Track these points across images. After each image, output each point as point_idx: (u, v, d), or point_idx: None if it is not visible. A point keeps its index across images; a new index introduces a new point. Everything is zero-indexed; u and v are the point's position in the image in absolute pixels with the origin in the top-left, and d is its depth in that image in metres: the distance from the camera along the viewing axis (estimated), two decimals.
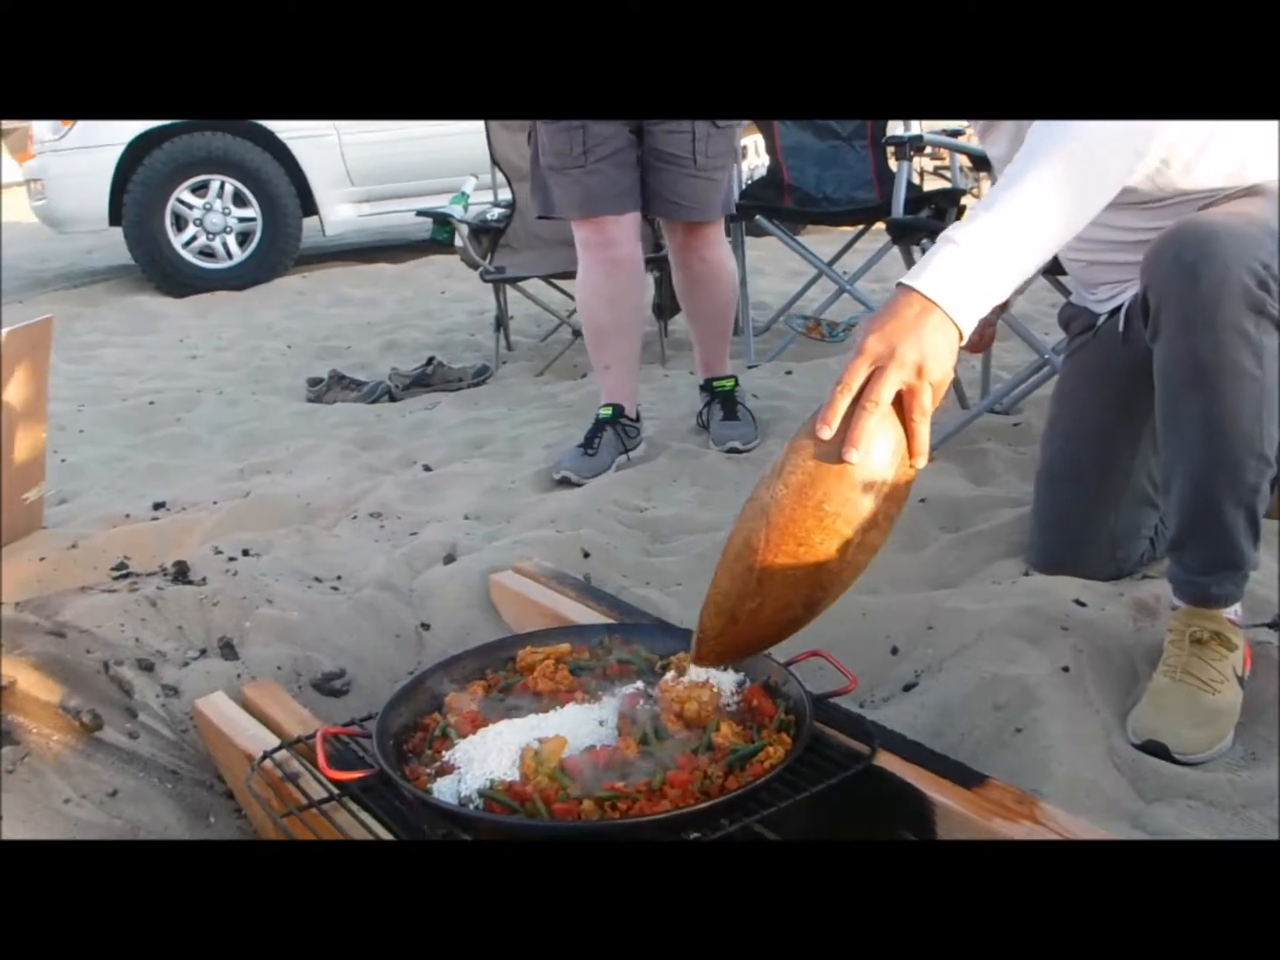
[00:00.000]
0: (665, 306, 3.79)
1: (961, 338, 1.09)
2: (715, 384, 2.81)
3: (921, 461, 1.10)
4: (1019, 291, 1.79)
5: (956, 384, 2.84)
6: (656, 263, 3.43)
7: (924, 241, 2.55)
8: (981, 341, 1.72)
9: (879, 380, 1.05)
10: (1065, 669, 1.46)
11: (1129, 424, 1.55)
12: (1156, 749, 1.33)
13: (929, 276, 1.09)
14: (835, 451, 1.05)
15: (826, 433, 1.05)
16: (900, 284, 1.10)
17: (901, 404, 1.08)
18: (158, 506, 2.40)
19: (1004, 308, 1.75)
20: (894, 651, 1.68)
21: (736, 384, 2.83)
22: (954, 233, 1.11)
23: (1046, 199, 1.13)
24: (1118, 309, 1.60)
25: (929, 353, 1.06)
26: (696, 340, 2.85)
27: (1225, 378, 1.25)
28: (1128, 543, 1.71)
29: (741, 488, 2.35)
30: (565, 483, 2.48)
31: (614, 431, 2.61)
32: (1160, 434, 1.36)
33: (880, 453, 1.07)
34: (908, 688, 1.58)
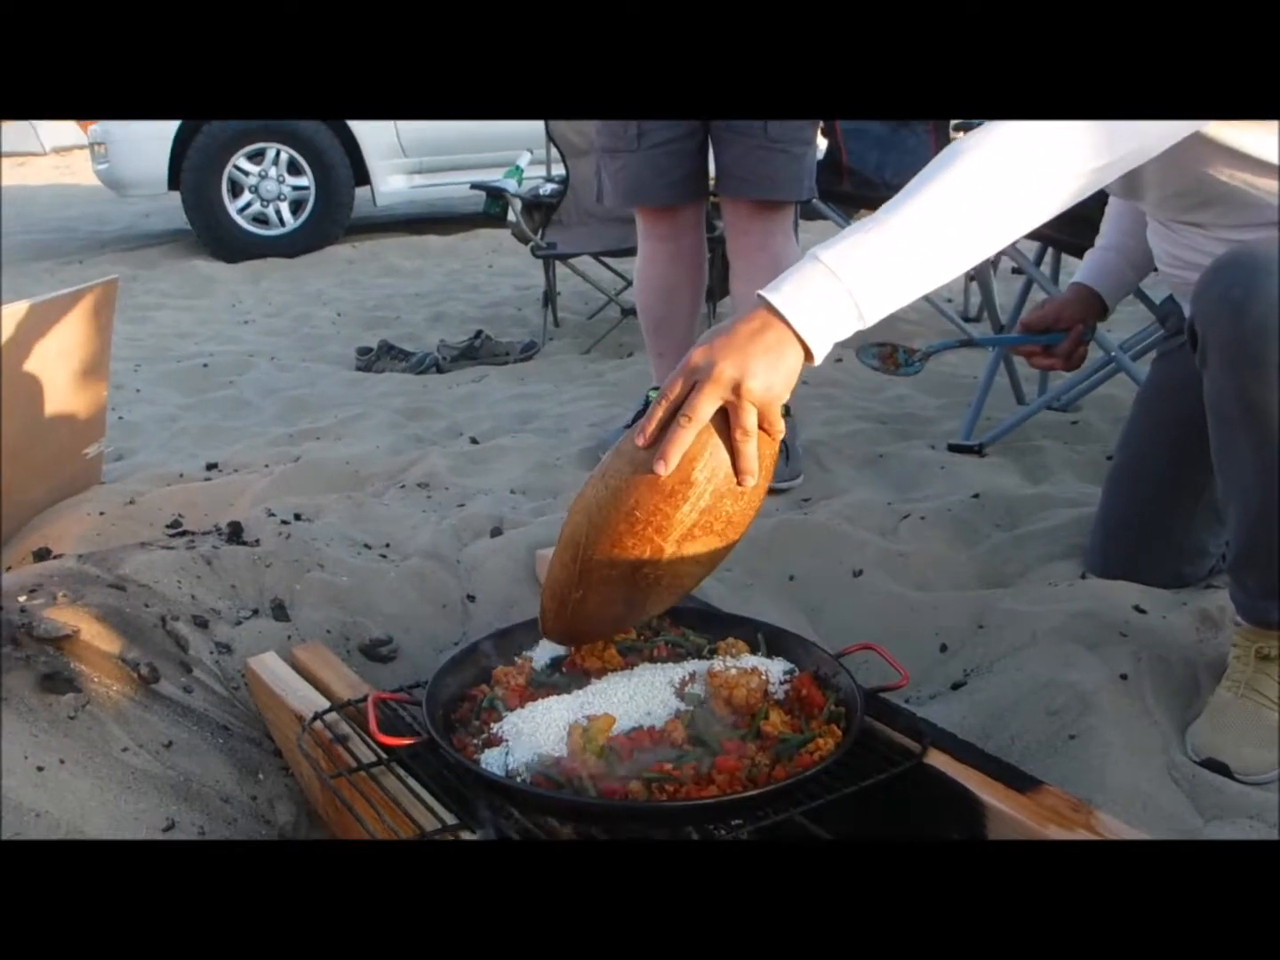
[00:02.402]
0: (715, 288, 3.77)
1: (810, 357, 1.05)
2: None
3: (750, 481, 1.08)
4: (1123, 292, 1.74)
5: (1013, 378, 2.80)
6: (709, 242, 3.40)
7: None
8: (1072, 360, 1.66)
9: (695, 395, 1.03)
10: (1123, 677, 1.43)
11: (1207, 438, 1.51)
12: (1217, 767, 1.30)
13: (784, 291, 1.04)
14: (649, 462, 1.05)
15: (641, 442, 1.05)
16: (758, 294, 1.06)
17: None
18: (210, 467, 2.43)
19: (1101, 315, 1.70)
20: (943, 649, 1.66)
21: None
22: (822, 250, 1.05)
23: (942, 217, 1.06)
24: None
25: (751, 371, 1.02)
26: None
27: (1273, 416, 1.20)
28: (1195, 557, 1.67)
29: None
30: None
31: None
32: (1215, 460, 1.33)
33: (697, 469, 1.06)
34: (956, 686, 1.57)
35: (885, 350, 1.79)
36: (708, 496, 1.08)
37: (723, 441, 1.07)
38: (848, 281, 1.04)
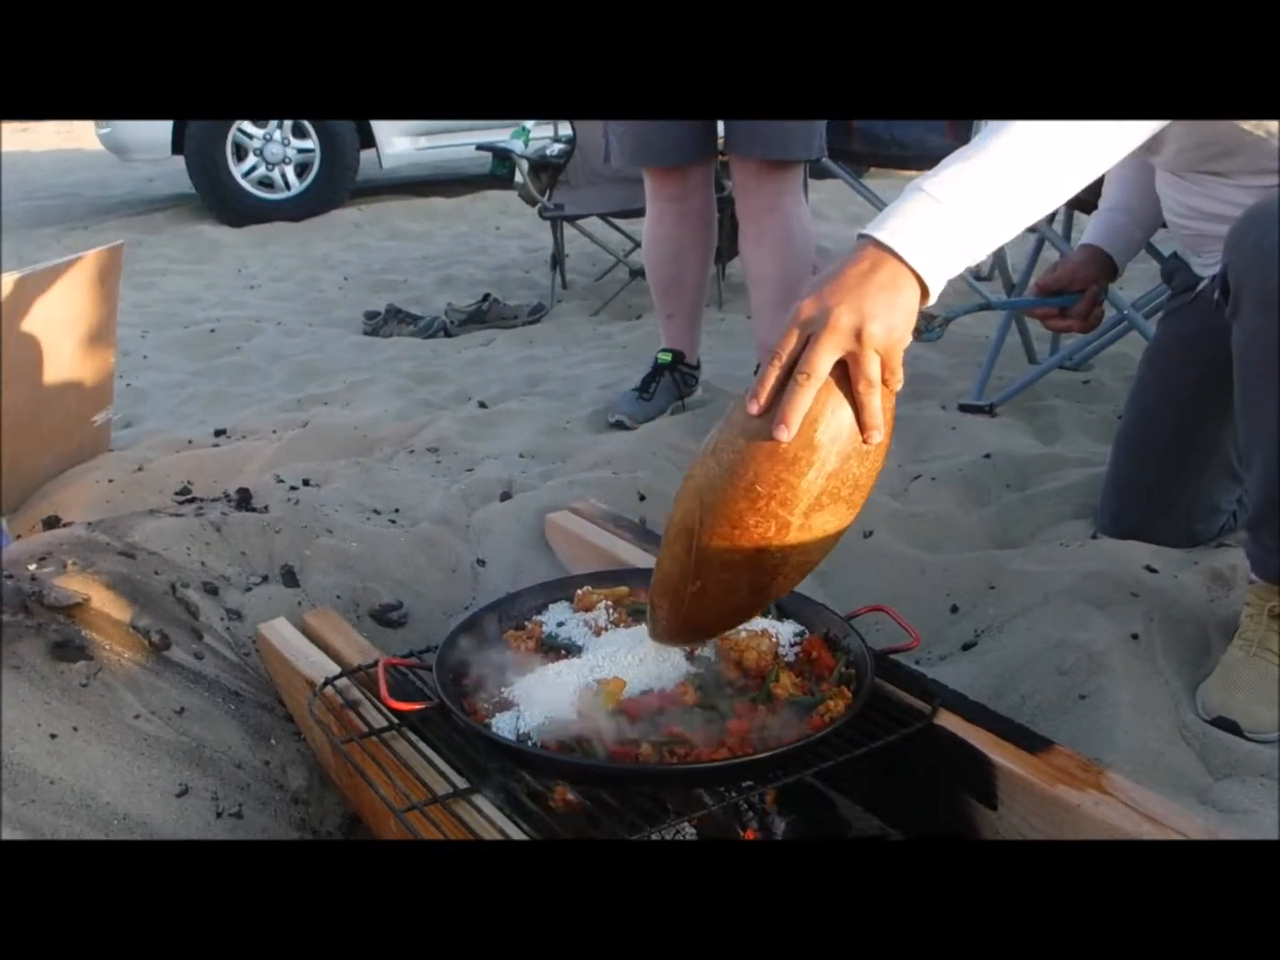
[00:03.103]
0: (724, 249, 3.73)
1: (926, 295, 0.97)
2: None
3: (876, 437, 0.99)
4: (1132, 252, 1.71)
5: (1025, 338, 2.77)
6: (718, 203, 3.36)
7: None
8: (1089, 321, 1.64)
9: (812, 349, 0.94)
10: (1134, 636, 1.43)
11: (1219, 396, 1.49)
12: (1228, 726, 1.30)
13: (891, 225, 0.97)
14: (767, 429, 0.96)
15: (755, 409, 0.97)
16: (860, 233, 0.99)
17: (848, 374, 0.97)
18: (219, 433, 2.43)
19: (1112, 276, 1.68)
20: (954, 610, 1.65)
21: None
22: (925, 180, 0.99)
23: (1044, 145, 1.01)
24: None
25: (871, 314, 0.93)
26: (757, 310, 2.47)
27: None
28: (1206, 516, 1.66)
29: None
30: (619, 426, 2.47)
31: (671, 377, 2.58)
32: (1239, 413, 1.32)
33: (820, 430, 0.97)
34: (966, 647, 1.57)
35: None
36: (833, 460, 0.98)
37: (844, 396, 0.98)
38: (956, 211, 0.97)
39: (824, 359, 0.95)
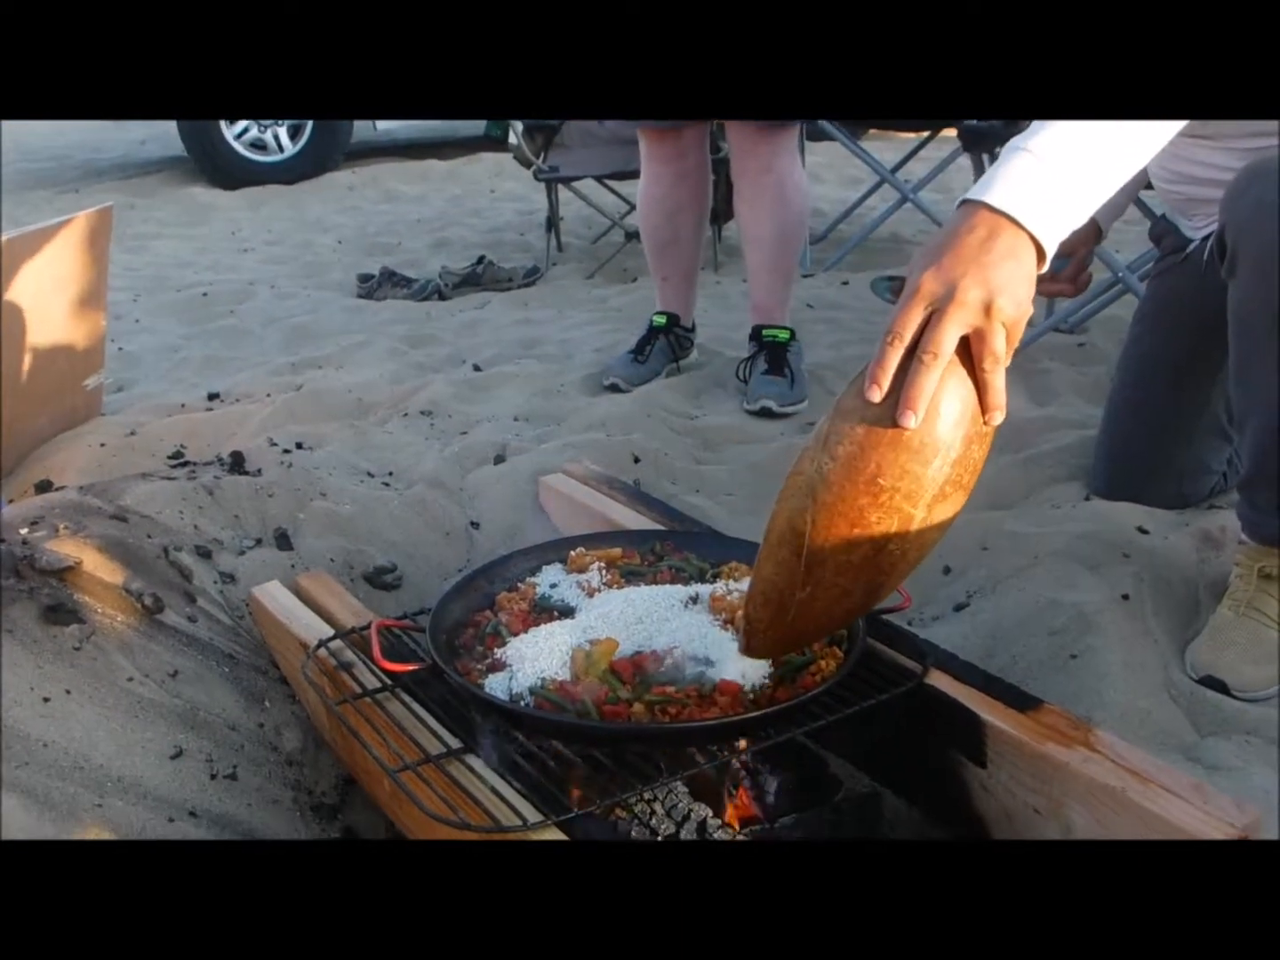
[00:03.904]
0: (720, 211, 3.71)
1: (1043, 261, 0.92)
2: (766, 334, 2.38)
3: (998, 417, 0.93)
4: (1115, 214, 1.71)
5: None
6: (714, 164, 3.34)
7: (997, 150, 2.46)
8: (1078, 284, 1.62)
9: (938, 326, 0.88)
10: (1125, 597, 1.44)
11: (1210, 356, 1.49)
12: (1215, 685, 1.31)
13: (1001, 188, 0.91)
14: (889, 416, 0.90)
15: (877, 395, 0.90)
16: (965, 200, 0.93)
17: (969, 352, 0.91)
18: (212, 397, 2.42)
19: (1098, 239, 1.68)
20: (946, 571, 1.66)
21: (793, 337, 2.37)
22: (1026, 140, 0.94)
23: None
24: (1210, 236, 1.54)
25: (999, 286, 0.88)
26: (752, 272, 2.41)
27: None
28: (1196, 476, 1.67)
29: None
30: (614, 389, 2.46)
31: (666, 340, 2.57)
32: (1234, 372, 1.31)
33: (945, 414, 0.91)
34: (959, 608, 1.57)
35: (898, 284, 1.78)
36: (959, 445, 0.92)
37: (967, 375, 0.91)
38: (1063, 168, 0.92)
39: (950, 336, 0.89)
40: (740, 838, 1.04)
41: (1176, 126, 1.02)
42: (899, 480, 0.91)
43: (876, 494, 0.92)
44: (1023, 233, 0.91)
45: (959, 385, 0.92)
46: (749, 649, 1.08)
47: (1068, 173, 0.93)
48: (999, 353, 0.90)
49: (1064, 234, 0.94)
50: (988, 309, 0.89)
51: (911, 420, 0.89)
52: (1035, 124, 0.97)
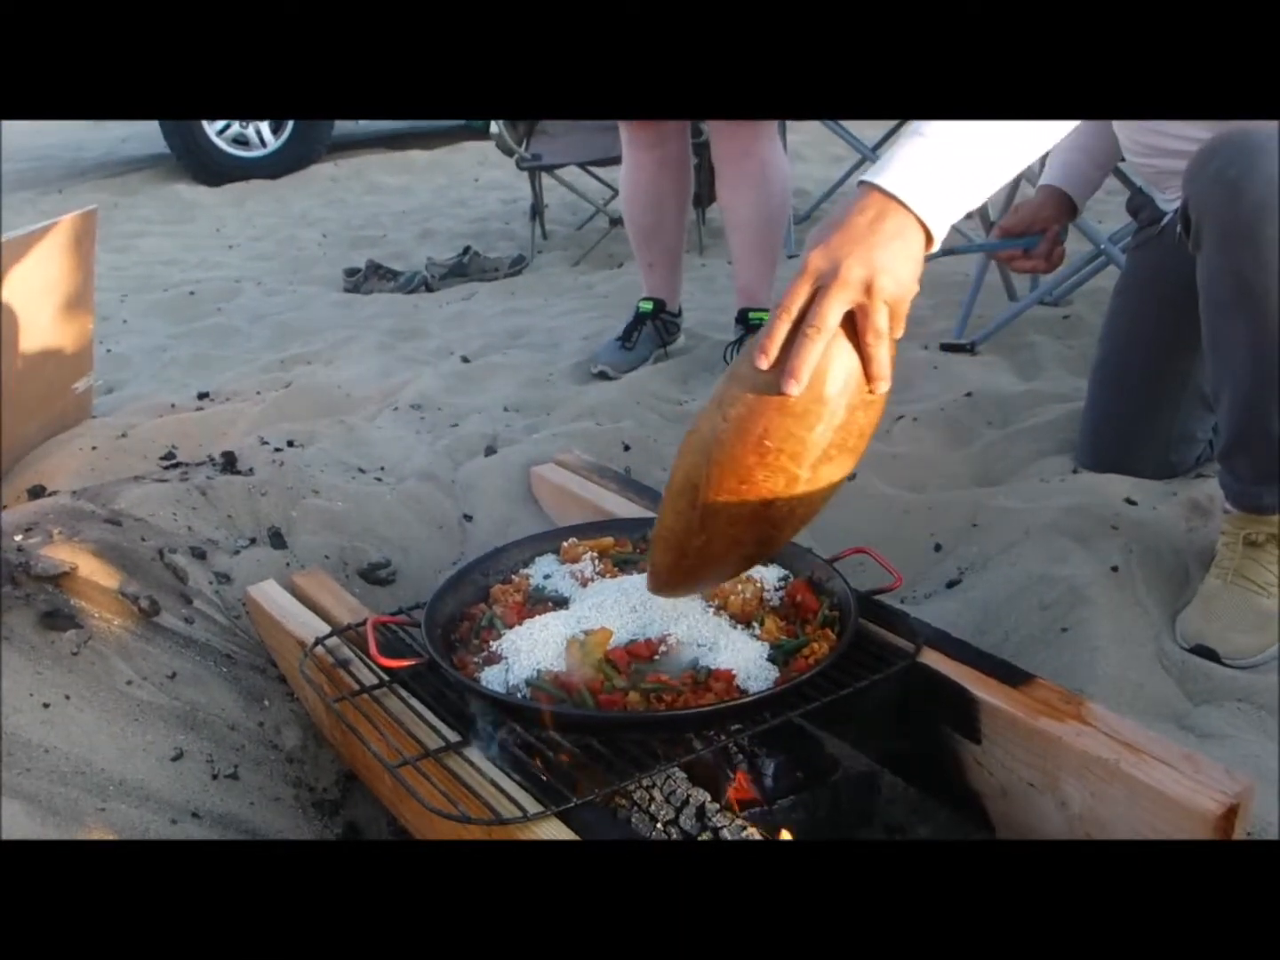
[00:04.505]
0: (703, 194, 3.70)
1: (930, 242, 0.97)
2: (752, 316, 2.39)
3: (882, 388, 0.99)
4: (1090, 190, 1.72)
5: (1004, 275, 2.77)
6: (695, 148, 3.33)
7: None
8: (1051, 260, 1.65)
9: (821, 302, 0.94)
10: (1114, 569, 1.45)
11: (1191, 326, 1.50)
12: (1206, 653, 1.32)
13: (893, 171, 0.96)
14: (776, 383, 0.96)
15: (765, 363, 0.96)
16: (861, 181, 0.98)
17: (856, 326, 0.97)
18: (202, 396, 2.42)
19: (1072, 215, 1.69)
20: (937, 548, 1.67)
21: None
22: (924, 124, 0.98)
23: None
24: None
25: (881, 265, 0.93)
26: (736, 255, 2.43)
27: (1270, 296, 1.20)
28: (1182, 446, 1.68)
29: None
30: (602, 376, 2.47)
31: (653, 326, 2.57)
32: (1206, 346, 1.32)
33: (829, 383, 0.97)
34: (951, 585, 1.58)
35: None
36: (841, 412, 0.99)
37: (851, 347, 0.97)
38: (957, 154, 0.96)
39: (834, 311, 0.94)
40: (740, 823, 1.05)
41: (1075, 122, 1.05)
42: (784, 442, 0.98)
43: (763, 454, 0.99)
44: (910, 215, 0.95)
45: (844, 356, 0.98)
46: (653, 588, 1.15)
47: (960, 158, 0.97)
48: (880, 328, 0.96)
49: (954, 218, 0.98)
50: (869, 287, 0.94)
51: (794, 388, 0.95)
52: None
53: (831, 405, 0.98)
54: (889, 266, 0.94)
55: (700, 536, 1.04)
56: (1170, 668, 1.32)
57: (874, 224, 0.94)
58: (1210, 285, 1.27)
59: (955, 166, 0.97)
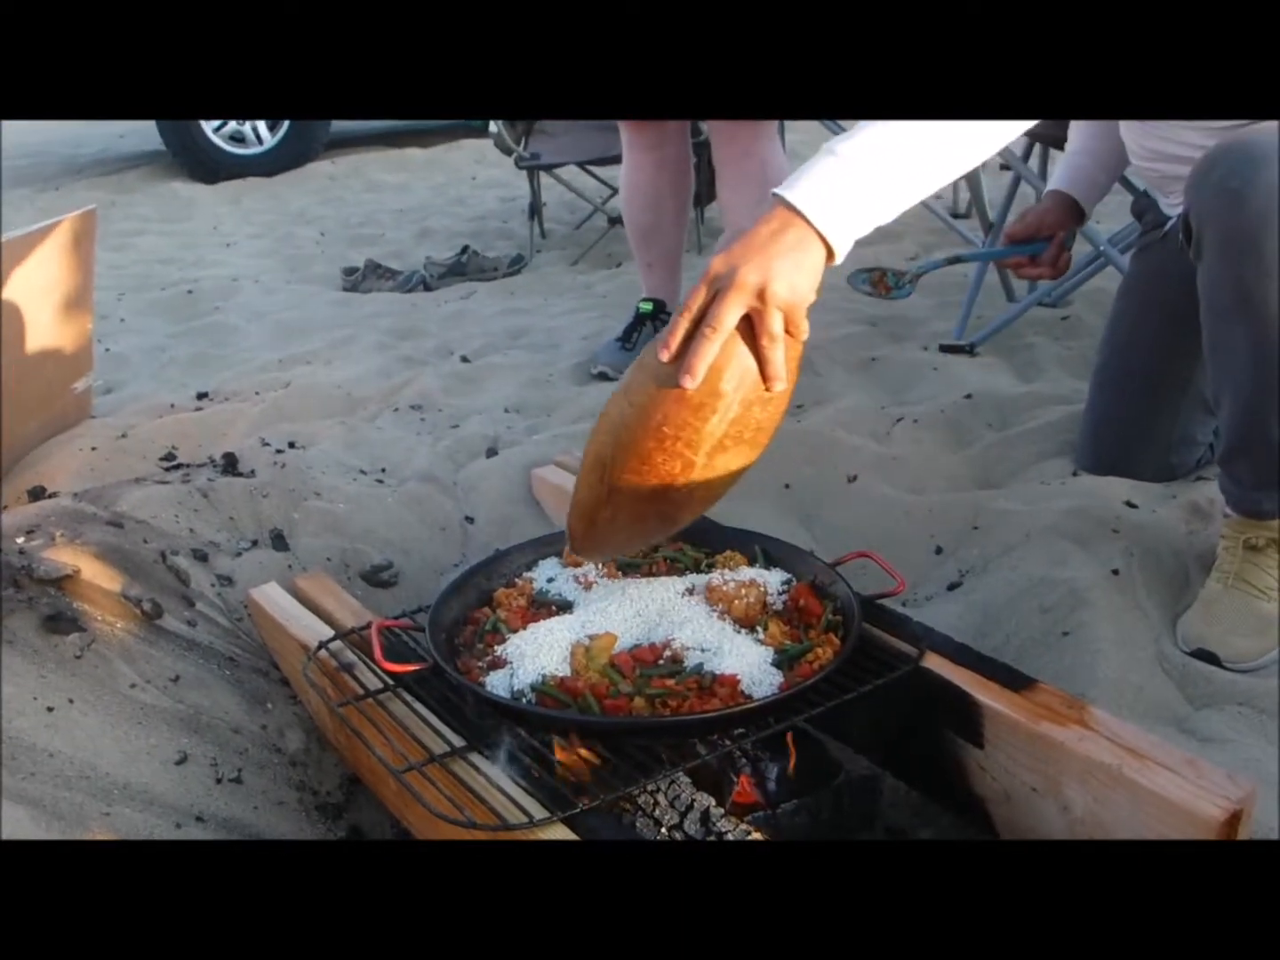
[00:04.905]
0: (702, 194, 3.70)
1: (832, 257, 1.02)
2: None
3: (778, 387, 1.06)
4: (1098, 195, 1.72)
5: (1003, 276, 2.77)
6: (695, 148, 3.33)
7: None
8: (1057, 267, 1.66)
9: (718, 304, 1.00)
10: (1115, 572, 1.45)
11: (1192, 330, 1.51)
12: (1206, 657, 1.33)
13: (801, 187, 1.01)
14: (675, 376, 1.03)
15: (666, 356, 1.03)
16: (773, 193, 1.03)
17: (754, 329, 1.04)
18: (201, 396, 2.42)
19: (1080, 221, 1.69)
20: (938, 551, 1.67)
21: None
22: (837, 143, 1.03)
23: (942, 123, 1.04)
24: None
25: (775, 274, 0.99)
26: None
27: (1271, 305, 1.20)
28: (1183, 449, 1.68)
29: None
30: (603, 377, 2.47)
31: (653, 326, 2.57)
32: (1207, 353, 1.33)
33: (725, 380, 1.04)
34: (952, 587, 1.59)
35: (876, 275, 1.82)
36: (736, 406, 1.06)
37: (748, 348, 1.05)
38: (864, 175, 1.01)
39: (729, 314, 1.01)
40: (744, 827, 1.05)
41: (989, 152, 1.09)
42: (681, 430, 1.06)
43: (661, 440, 1.07)
44: (811, 229, 1.01)
45: (740, 356, 1.05)
46: (573, 550, 1.23)
47: (868, 179, 1.02)
48: (774, 332, 1.02)
49: (856, 234, 1.03)
50: (763, 292, 1.00)
51: (690, 382, 1.02)
52: (856, 125, 1.04)
53: (726, 400, 1.05)
54: (784, 274, 1.00)
55: (607, 509, 1.13)
56: (1171, 671, 1.33)
57: (775, 235, 1.01)
58: (1211, 293, 1.27)
59: (863, 185, 1.02)
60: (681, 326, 1.03)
